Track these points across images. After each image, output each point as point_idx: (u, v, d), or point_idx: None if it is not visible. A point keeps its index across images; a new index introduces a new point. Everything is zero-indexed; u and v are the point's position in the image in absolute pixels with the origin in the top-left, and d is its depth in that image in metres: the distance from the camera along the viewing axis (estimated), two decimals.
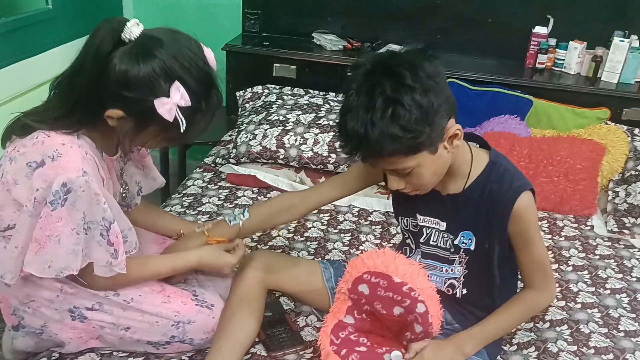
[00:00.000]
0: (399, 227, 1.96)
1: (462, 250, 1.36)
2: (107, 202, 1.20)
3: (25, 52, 2.14)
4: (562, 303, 1.66)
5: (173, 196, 2.09)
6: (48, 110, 1.22)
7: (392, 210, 2.03)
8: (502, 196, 1.27)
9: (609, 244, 1.98)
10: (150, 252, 1.51)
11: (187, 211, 1.97)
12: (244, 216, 1.50)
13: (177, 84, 1.15)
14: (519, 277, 1.42)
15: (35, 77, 2.21)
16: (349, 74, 1.20)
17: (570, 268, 1.83)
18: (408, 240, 1.47)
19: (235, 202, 2.07)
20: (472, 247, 1.34)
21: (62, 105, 1.20)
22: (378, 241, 1.92)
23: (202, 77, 1.19)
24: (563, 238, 2.00)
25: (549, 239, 1.99)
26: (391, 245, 1.89)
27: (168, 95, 1.14)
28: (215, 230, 1.51)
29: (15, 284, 1.28)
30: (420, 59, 1.15)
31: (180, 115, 1.16)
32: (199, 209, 2.00)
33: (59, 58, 2.34)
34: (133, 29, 1.15)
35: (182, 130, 1.18)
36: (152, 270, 1.38)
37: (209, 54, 1.24)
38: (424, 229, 1.40)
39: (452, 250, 1.37)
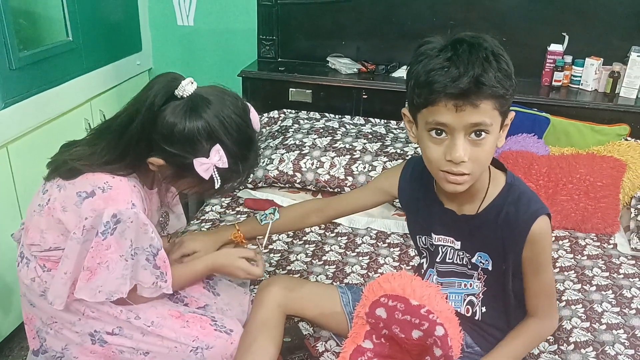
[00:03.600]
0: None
1: (480, 268, 1.35)
2: (154, 232, 1.26)
3: (48, 83, 2.19)
4: (587, 324, 1.62)
5: (192, 222, 2.11)
6: (95, 155, 1.25)
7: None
8: (518, 220, 1.25)
9: (633, 262, 1.94)
10: None
11: None
12: (274, 216, 1.56)
13: (217, 146, 1.20)
14: None
15: (58, 107, 2.26)
16: (413, 58, 1.20)
17: (594, 288, 1.79)
18: (423, 260, 1.46)
19: None
20: (490, 268, 1.33)
21: (112, 151, 1.24)
22: (397, 264, 1.91)
23: (242, 140, 1.24)
24: (585, 257, 1.97)
25: (571, 258, 1.96)
26: (410, 267, 1.88)
27: (207, 156, 1.20)
28: (246, 225, 1.57)
29: (41, 305, 1.33)
30: None
31: (216, 175, 1.21)
32: None
33: (81, 88, 2.41)
34: (187, 87, 1.21)
35: (216, 187, 1.23)
36: (180, 281, 1.42)
37: (254, 116, 1.29)
38: (440, 248, 1.39)
39: (469, 267, 1.36)
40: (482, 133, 1.15)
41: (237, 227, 1.56)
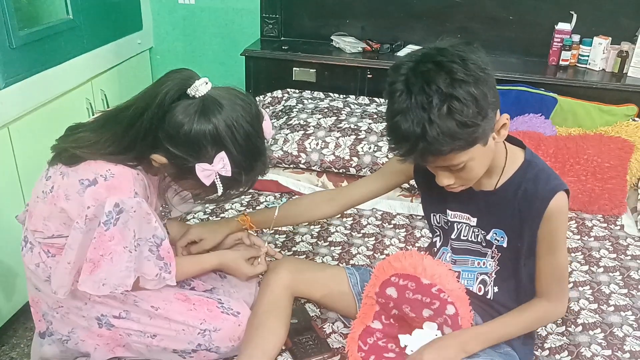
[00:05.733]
0: (423, 229, 1.95)
1: (494, 246, 1.33)
2: (157, 221, 1.23)
3: (48, 62, 2.16)
4: (595, 306, 1.62)
5: (196, 202, 2.09)
6: (99, 144, 1.22)
7: (416, 213, 2.04)
8: (537, 195, 1.24)
9: None
10: None
11: (210, 217, 1.97)
12: (281, 201, 1.50)
13: (222, 154, 1.16)
14: None
15: (59, 86, 2.23)
16: (389, 75, 1.16)
17: (602, 269, 1.78)
18: (436, 238, 1.45)
19: (258, 207, 2.06)
20: (505, 245, 1.32)
21: (117, 143, 1.21)
22: (402, 245, 1.89)
23: (250, 150, 1.19)
24: (592, 238, 1.95)
25: (578, 239, 1.94)
26: (416, 248, 1.87)
27: (211, 162, 1.15)
28: (256, 215, 1.55)
29: (46, 290, 1.31)
30: (467, 51, 1.12)
31: (219, 182, 1.18)
32: (222, 215, 1.99)
33: (82, 67, 2.37)
34: (200, 87, 1.17)
35: (218, 194, 1.20)
36: (185, 273, 1.41)
37: (267, 125, 1.24)
38: (455, 224, 1.38)
39: (484, 244, 1.35)
40: (460, 165, 1.15)
41: (245, 214, 1.54)
